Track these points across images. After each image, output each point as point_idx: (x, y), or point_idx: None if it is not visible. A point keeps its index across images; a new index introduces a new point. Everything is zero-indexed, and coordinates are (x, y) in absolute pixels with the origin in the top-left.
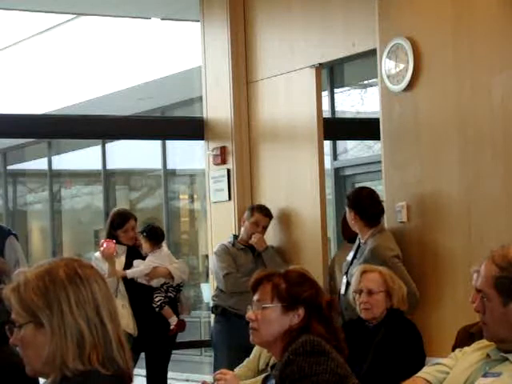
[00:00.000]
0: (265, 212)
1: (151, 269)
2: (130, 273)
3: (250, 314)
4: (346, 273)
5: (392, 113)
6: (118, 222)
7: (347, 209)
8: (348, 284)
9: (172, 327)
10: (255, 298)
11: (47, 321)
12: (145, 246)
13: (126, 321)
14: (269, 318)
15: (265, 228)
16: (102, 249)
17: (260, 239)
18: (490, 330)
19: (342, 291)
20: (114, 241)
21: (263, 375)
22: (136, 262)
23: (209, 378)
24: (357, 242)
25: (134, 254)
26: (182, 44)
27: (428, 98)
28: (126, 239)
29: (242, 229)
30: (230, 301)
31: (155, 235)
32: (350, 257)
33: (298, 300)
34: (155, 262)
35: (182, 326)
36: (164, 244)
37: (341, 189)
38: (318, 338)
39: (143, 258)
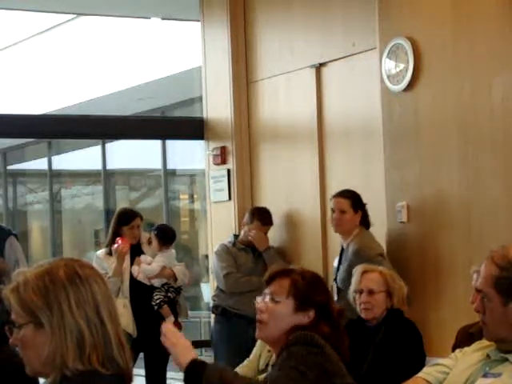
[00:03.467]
0: (265, 221)
1: (161, 268)
2: (144, 268)
3: (260, 305)
4: (335, 279)
5: (392, 113)
6: (125, 219)
7: (349, 209)
8: (339, 290)
9: None
10: (269, 290)
11: (47, 321)
12: (154, 244)
13: (126, 320)
14: (280, 312)
15: (265, 233)
16: (115, 245)
17: (262, 238)
18: (489, 329)
19: (335, 298)
20: (130, 242)
21: (265, 374)
22: (143, 257)
23: None
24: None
25: (137, 252)
26: (182, 44)
27: (428, 98)
28: (130, 237)
29: (242, 231)
30: (230, 301)
31: (166, 236)
32: (335, 263)
33: (312, 301)
34: (164, 261)
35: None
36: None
37: None
38: (312, 333)
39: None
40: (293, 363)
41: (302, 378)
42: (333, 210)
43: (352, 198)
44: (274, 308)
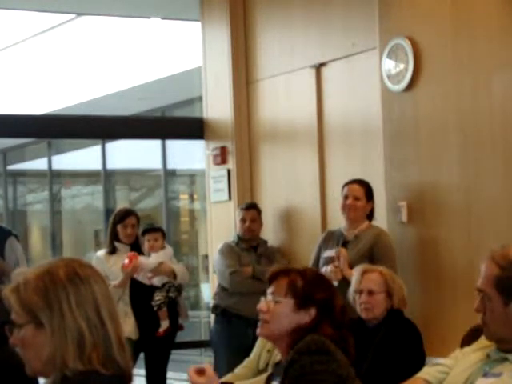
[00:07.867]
0: (245, 206)
1: (158, 262)
2: (143, 264)
3: (262, 305)
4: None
5: (392, 113)
6: (119, 218)
7: (363, 197)
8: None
9: (160, 331)
10: (270, 290)
11: (47, 321)
12: (158, 243)
13: (129, 328)
14: (280, 312)
15: (253, 221)
16: (126, 261)
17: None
18: (490, 329)
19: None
20: (139, 258)
21: (266, 374)
22: (141, 258)
23: None
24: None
25: (136, 252)
26: (181, 44)
27: (428, 98)
28: (123, 235)
29: (238, 228)
30: (230, 300)
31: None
32: (329, 253)
33: (312, 300)
34: (161, 257)
35: (180, 329)
36: (167, 244)
37: None
38: (323, 338)
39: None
40: (308, 376)
41: None
42: (345, 197)
43: (366, 187)
44: (275, 308)
